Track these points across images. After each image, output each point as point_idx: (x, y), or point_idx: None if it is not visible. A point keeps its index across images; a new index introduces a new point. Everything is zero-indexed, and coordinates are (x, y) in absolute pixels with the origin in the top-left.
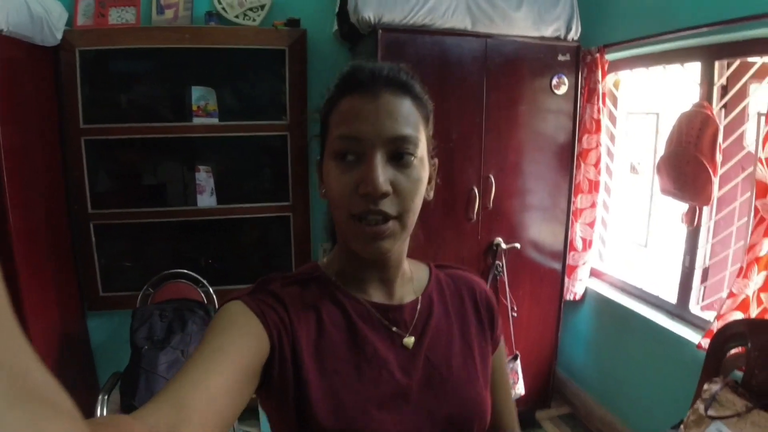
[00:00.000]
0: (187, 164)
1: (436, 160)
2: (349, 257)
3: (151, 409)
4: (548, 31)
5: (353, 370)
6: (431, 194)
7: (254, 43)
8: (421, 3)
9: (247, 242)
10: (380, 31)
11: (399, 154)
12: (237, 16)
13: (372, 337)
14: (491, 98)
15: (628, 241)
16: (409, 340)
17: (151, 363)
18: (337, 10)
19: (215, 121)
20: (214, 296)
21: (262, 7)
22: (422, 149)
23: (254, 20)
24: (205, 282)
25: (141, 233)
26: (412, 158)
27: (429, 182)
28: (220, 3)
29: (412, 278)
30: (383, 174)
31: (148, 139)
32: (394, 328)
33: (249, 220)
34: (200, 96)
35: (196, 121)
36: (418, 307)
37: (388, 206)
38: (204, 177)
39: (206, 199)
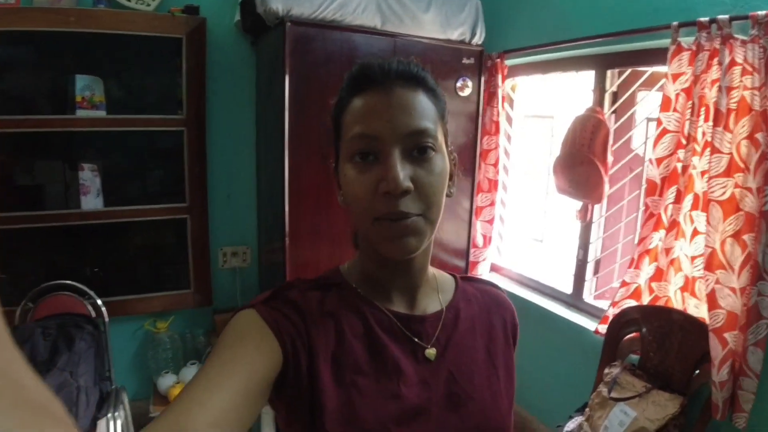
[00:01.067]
0: (70, 162)
1: (455, 155)
2: (371, 263)
3: (151, 431)
4: (454, 35)
5: (372, 382)
6: (453, 190)
7: (148, 29)
8: None
9: (139, 248)
10: (288, 23)
11: (418, 148)
12: (129, 0)
13: (393, 348)
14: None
15: (526, 236)
16: (431, 352)
17: None
18: None
19: (103, 114)
20: (103, 309)
21: None
22: (441, 142)
23: (148, 5)
24: (92, 293)
25: (16, 241)
26: (432, 152)
27: (450, 178)
28: None
29: (437, 288)
30: (403, 170)
31: (24, 133)
32: (416, 340)
33: (141, 224)
34: (85, 86)
35: (80, 113)
36: (443, 318)
37: (410, 205)
38: (89, 176)
39: (92, 201)
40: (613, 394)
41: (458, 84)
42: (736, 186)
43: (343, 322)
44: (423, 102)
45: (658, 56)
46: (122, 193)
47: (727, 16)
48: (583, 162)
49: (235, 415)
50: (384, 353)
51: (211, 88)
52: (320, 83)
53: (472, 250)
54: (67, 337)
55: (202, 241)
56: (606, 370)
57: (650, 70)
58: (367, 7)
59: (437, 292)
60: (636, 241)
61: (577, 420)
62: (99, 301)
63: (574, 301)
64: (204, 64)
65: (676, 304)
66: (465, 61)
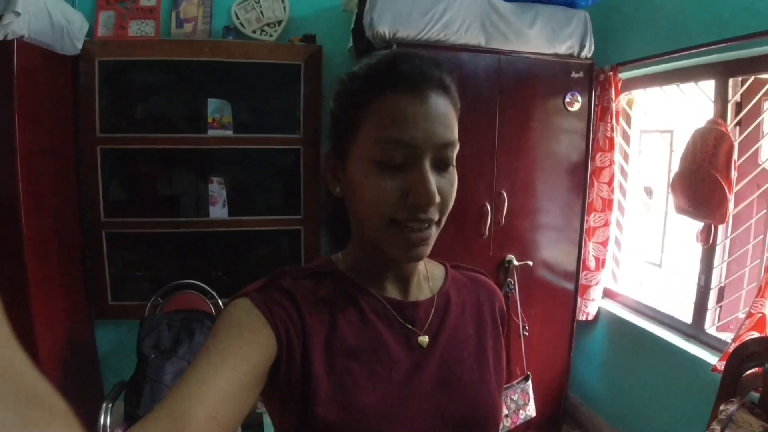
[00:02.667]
0: (201, 176)
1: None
2: (366, 254)
3: (150, 420)
4: (562, 49)
5: (365, 368)
6: None
7: (270, 57)
8: (435, 19)
9: (257, 255)
10: (395, 45)
11: (443, 159)
12: (254, 32)
13: (386, 334)
14: (504, 114)
15: (642, 260)
16: (424, 339)
17: (157, 372)
18: (352, 26)
19: (230, 133)
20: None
21: (279, 23)
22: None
23: (271, 36)
24: (214, 294)
25: (152, 243)
26: (453, 163)
27: None
28: (238, 18)
29: (427, 276)
30: (434, 183)
31: (164, 149)
32: (409, 326)
33: (260, 233)
34: (216, 108)
35: (211, 133)
36: (434, 305)
37: (433, 213)
38: (217, 189)
39: (218, 211)
40: None
41: (567, 99)
42: None
43: (336, 309)
44: (451, 111)
45: None
46: (245, 204)
47: None
48: (704, 179)
49: (232, 404)
50: (377, 339)
51: (326, 109)
52: None
53: (582, 273)
54: (188, 329)
55: (314, 251)
56: (722, 407)
57: None
58: (471, 26)
59: (428, 279)
60: (764, 266)
61: None
62: (220, 302)
63: (694, 331)
64: (320, 88)
65: None
66: (574, 75)
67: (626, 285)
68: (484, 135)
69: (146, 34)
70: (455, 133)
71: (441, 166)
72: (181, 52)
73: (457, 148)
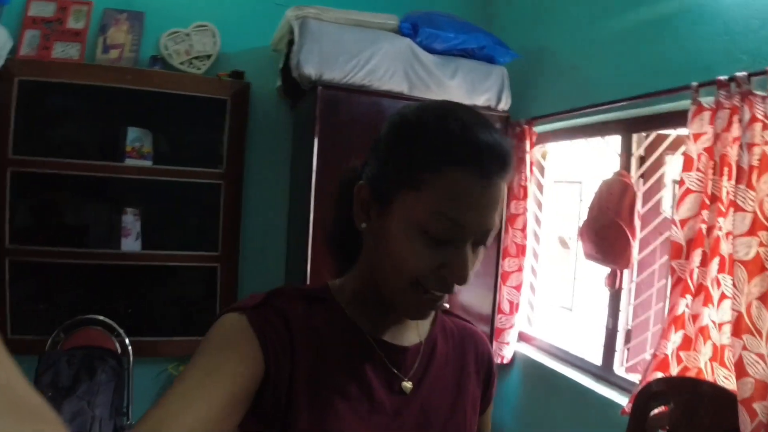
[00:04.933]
0: (115, 206)
1: None
2: (368, 291)
3: None
4: (480, 101)
5: (348, 407)
6: None
7: (197, 90)
8: (361, 64)
9: (170, 292)
10: (320, 87)
11: (483, 241)
12: (182, 63)
13: (371, 375)
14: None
15: (555, 304)
16: (408, 385)
17: None
18: (281, 65)
19: (149, 163)
20: (129, 347)
21: (208, 57)
22: None
23: (199, 69)
24: (121, 331)
25: (59, 274)
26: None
27: None
28: (166, 49)
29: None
30: (470, 265)
31: (78, 176)
32: (395, 371)
33: (174, 269)
34: (136, 137)
35: (129, 162)
36: (421, 351)
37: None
38: (131, 220)
39: (131, 243)
40: None
41: None
42: (761, 245)
43: (326, 341)
44: (505, 194)
45: (680, 118)
46: (160, 238)
47: (745, 73)
48: (610, 226)
49: (216, 424)
50: (362, 379)
51: (250, 146)
52: (347, 143)
53: (498, 317)
54: (89, 367)
55: (231, 290)
56: None
57: (674, 132)
58: (395, 73)
59: (417, 324)
60: (666, 309)
61: None
62: (126, 340)
63: (604, 373)
64: (245, 125)
65: (707, 375)
66: None
67: (540, 329)
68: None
69: (70, 56)
70: (499, 218)
71: (476, 246)
72: (103, 77)
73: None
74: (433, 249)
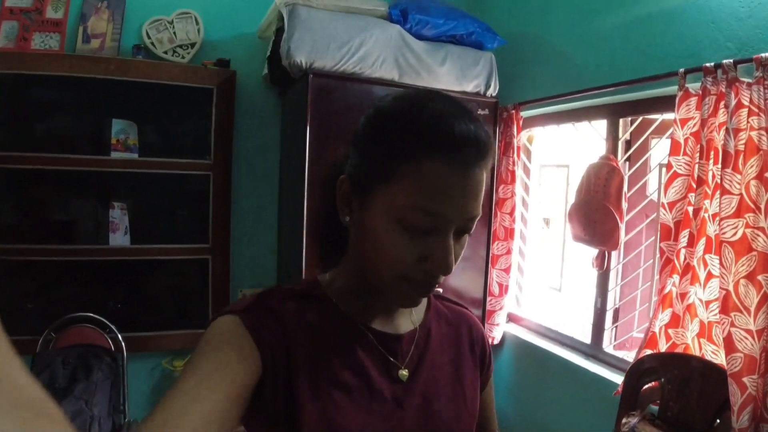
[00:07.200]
0: (102, 200)
1: None
2: (358, 283)
3: None
4: (470, 87)
5: (348, 397)
6: None
7: (182, 80)
8: (351, 52)
9: (161, 286)
10: (311, 75)
11: (466, 229)
12: (166, 52)
13: (368, 364)
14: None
15: (544, 286)
16: (405, 372)
17: None
18: (268, 53)
19: (135, 156)
20: (123, 343)
21: (192, 45)
22: None
23: (183, 57)
24: (113, 327)
25: (47, 272)
26: (471, 231)
27: None
28: (149, 38)
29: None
30: (453, 253)
31: (63, 171)
32: (391, 359)
33: (164, 262)
34: (121, 129)
35: (114, 155)
36: (415, 338)
37: (444, 276)
38: (119, 215)
39: (119, 238)
40: None
41: None
42: (747, 226)
43: (321, 336)
44: (486, 181)
45: (667, 103)
46: (149, 231)
47: (731, 60)
48: (597, 209)
49: (217, 425)
50: (360, 369)
51: (239, 135)
52: (340, 131)
53: (489, 299)
54: (85, 366)
55: (223, 282)
56: (624, 420)
57: (660, 117)
58: (385, 60)
59: (411, 311)
60: (654, 288)
61: None
62: (119, 336)
63: (594, 351)
64: (233, 113)
65: (694, 350)
66: (480, 112)
67: (529, 309)
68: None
69: (50, 47)
70: (481, 205)
71: (460, 234)
72: (86, 68)
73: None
74: (414, 240)
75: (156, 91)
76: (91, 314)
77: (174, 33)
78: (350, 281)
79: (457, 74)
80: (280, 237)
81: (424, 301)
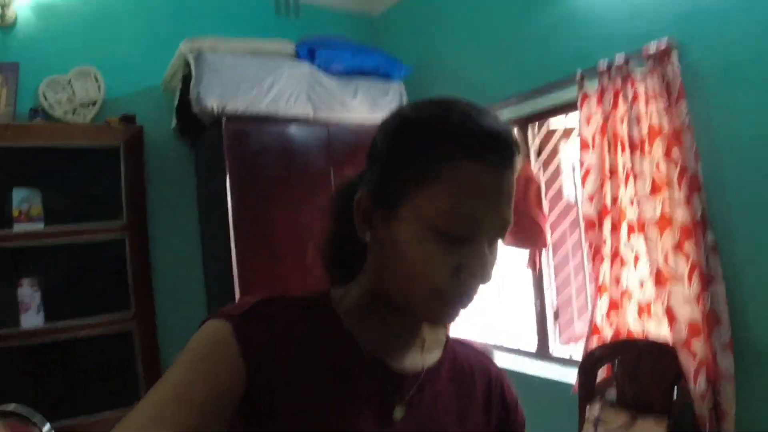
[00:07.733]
0: (8, 279)
1: None
2: (371, 304)
3: None
4: (382, 116)
5: (332, 421)
6: None
7: (85, 140)
8: (264, 91)
9: (85, 364)
10: (224, 119)
11: (500, 237)
12: (66, 113)
13: (362, 396)
14: (338, 183)
15: (484, 294)
16: (399, 413)
17: None
18: (176, 103)
19: (40, 226)
20: None
21: (94, 103)
22: None
23: (85, 117)
24: (39, 418)
25: None
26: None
27: None
28: (46, 99)
29: (423, 345)
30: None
31: None
32: (388, 397)
33: (85, 340)
34: (23, 199)
35: (17, 228)
36: (421, 379)
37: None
38: (29, 292)
39: (32, 318)
40: (600, 431)
41: None
42: (665, 203)
43: (317, 349)
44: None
45: (572, 106)
46: (65, 307)
47: (623, 56)
48: (522, 214)
49: None
50: (352, 398)
51: (152, 191)
52: (260, 174)
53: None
54: None
55: (152, 351)
56: (587, 411)
57: (563, 126)
58: (298, 97)
59: (421, 350)
60: (587, 279)
61: None
62: (47, 426)
63: (542, 354)
64: (143, 170)
65: (637, 331)
66: None
67: (470, 327)
68: (319, 206)
69: None
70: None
71: (493, 243)
72: None
73: None
74: (449, 250)
75: (59, 155)
76: (11, 407)
77: (73, 92)
78: (364, 301)
79: (369, 105)
80: (208, 291)
81: (441, 342)
